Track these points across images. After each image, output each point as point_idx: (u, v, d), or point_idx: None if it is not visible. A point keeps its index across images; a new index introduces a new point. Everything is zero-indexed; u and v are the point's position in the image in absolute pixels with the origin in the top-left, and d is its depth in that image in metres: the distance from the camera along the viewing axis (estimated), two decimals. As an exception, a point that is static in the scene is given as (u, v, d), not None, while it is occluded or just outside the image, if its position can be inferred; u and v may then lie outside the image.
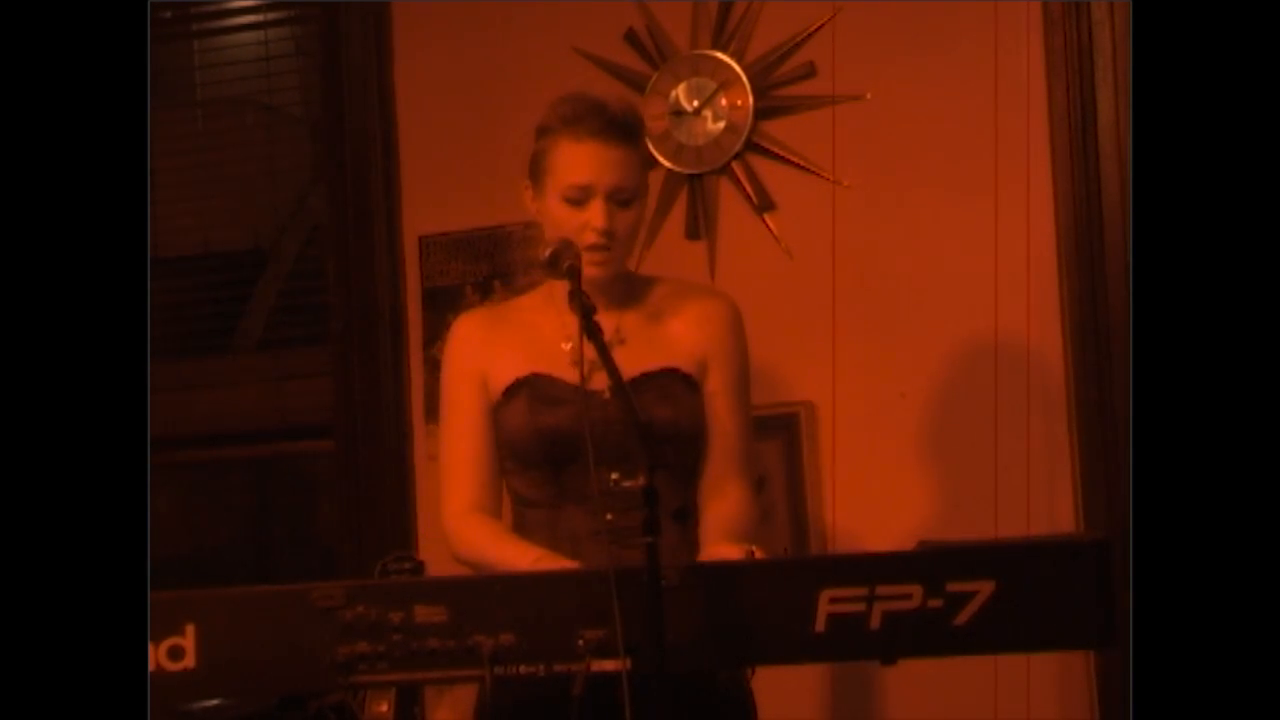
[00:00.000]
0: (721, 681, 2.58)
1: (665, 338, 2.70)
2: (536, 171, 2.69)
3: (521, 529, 2.68)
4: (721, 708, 2.58)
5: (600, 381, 2.55)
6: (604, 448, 2.51)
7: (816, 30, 3.71)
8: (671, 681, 2.15)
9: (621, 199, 2.64)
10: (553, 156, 2.65)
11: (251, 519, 4.56)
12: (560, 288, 2.61)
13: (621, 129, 2.64)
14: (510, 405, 2.66)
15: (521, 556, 2.55)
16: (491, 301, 2.91)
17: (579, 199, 2.62)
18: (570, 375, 2.60)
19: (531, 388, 2.64)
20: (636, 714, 2.15)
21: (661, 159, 3.78)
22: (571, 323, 2.62)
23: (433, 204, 4.02)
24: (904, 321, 3.65)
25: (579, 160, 2.62)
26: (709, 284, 2.75)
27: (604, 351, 2.40)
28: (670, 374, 2.67)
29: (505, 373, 2.67)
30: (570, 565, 2.49)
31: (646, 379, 2.64)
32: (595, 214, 2.61)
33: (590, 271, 2.59)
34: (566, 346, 2.63)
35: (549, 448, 2.62)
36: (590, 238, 2.61)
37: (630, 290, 2.74)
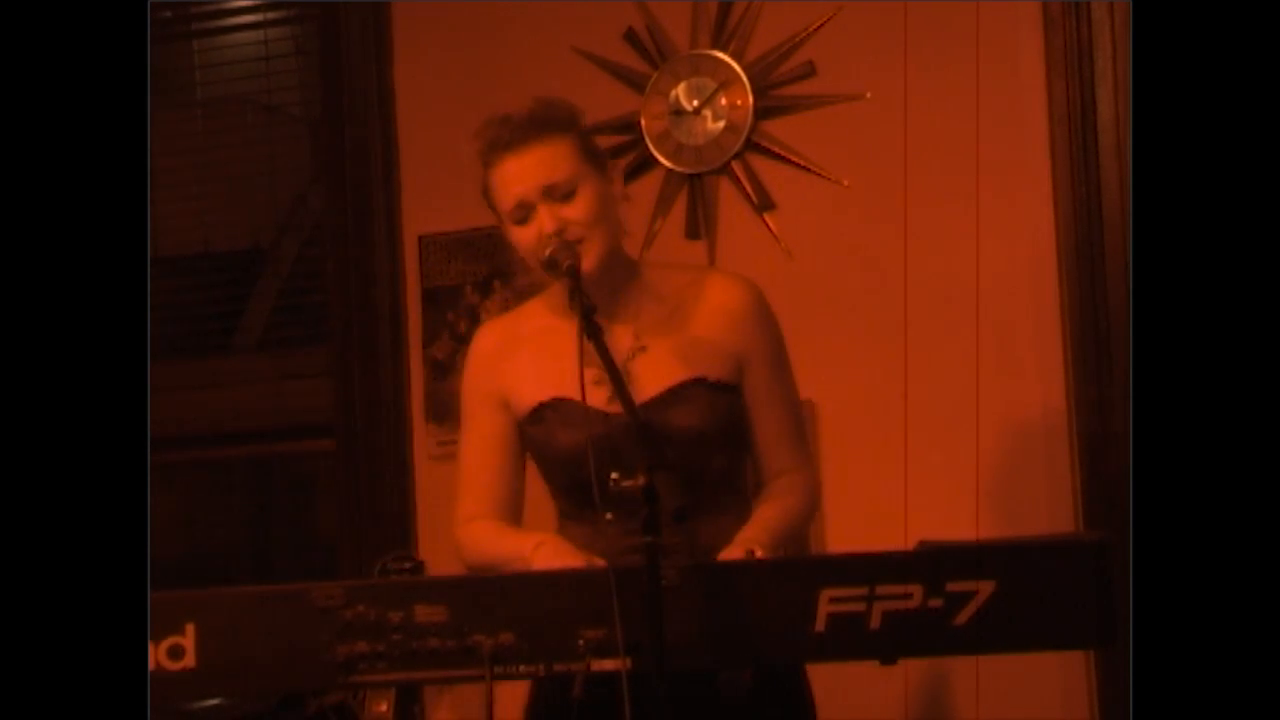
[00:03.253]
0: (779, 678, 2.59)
1: (691, 343, 2.64)
2: (490, 206, 2.66)
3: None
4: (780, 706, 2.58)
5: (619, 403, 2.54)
6: (618, 464, 2.50)
7: (816, 30, 3.71)
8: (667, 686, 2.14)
9: (561, 194, 2.56)
10: (488, 191, 2.62)
11: (251, 519, 4.56)
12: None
13: (526, 129, 2.57)
14: (537, 428, 2.64)
15: (524, 543, 2.55)
16: (506, 312, 2.86)
17: (522, 218, 2.57)
18: (590, 396, 2.55)
19: (556, 411, 2.62)
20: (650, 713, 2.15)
21: (661, 159, 3.78)
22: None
23: (432, 204, 4.02)
24: (904, 321, 3.65)
25: (502, 182, 2.58)
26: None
27: (604, 352, 2.40)
28: (696, 384, 2.61)
29: (528, 394, 2.65)
30: (574, 550, 2.49)
31: (672, 394, 2.59)
32: (542, 221, 2.55)
33: (561, 281, 2.57)
34: (592, 364, 2.56)
35: (568, 470, 2.61)
36: (550, 244, 2.55)
37: (643, 285, 2.68)
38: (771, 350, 2.71)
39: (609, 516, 2.51)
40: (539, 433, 2.64)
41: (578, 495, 2.61)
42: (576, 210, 2.57)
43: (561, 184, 2.56)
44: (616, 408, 2.52)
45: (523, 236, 2.58)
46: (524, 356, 2.68)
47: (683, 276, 2.73)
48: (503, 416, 2.69)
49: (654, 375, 2.60)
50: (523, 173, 2.55)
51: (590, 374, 2.55)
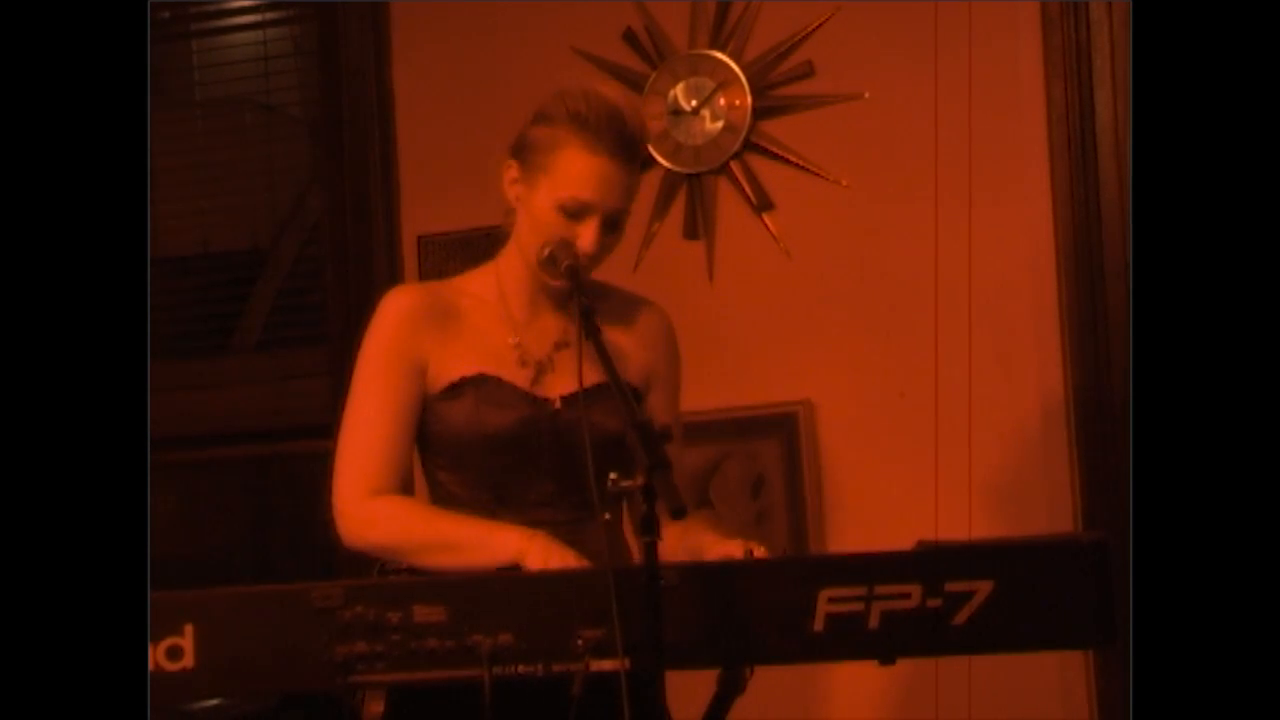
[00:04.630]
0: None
1: (610, 348, 2.53)
2: (532, 161, 2.55)
3: None
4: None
5: (551, 389, 2.55)
6: (551, 456, 2.52)
7: (815, 30, 3.71)
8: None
9: (614, 222, 2.55)
10: (559, 157, 2.52)
11: (251, 519, 4.55)
12: (509, 275, 2.60)
13: (633, 149, 2.54)
14: (453, 403, 2.56)
15: (507, 533, 2.45)
16: (427, 281, 2.81)
17: (576, 212, 2.51)
18: (518, 378, 2.57)
19: (478, 388, 2.55)
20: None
21: (660, 159, 3.78)
22: (518, 316, 2.61)
23: (431, 203, 4.02)
24: (903, 321, 3.65)
25: (588, 175, 2.50)
26: (721, 299, 2.73)
27: (604, 352, 2.40)
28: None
29: (449, 366, 2.56)
30: (565, 546, 2.43)
31: (597, 389, 2.49)
32: (587, 235, 2.51)
33: (559, 283, 2.53)
34: (513, 341, 2.58)
35: (492, 452, 2.55)
36: (551, 243, 2.52)
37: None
38: (675, 377, 2.74)
39: (607, 516, 2.51)
40: (456, 409, 2.55)
41: (486, 481, 2.56)
42: (612, 243, 2.59)
43: (622, 215, 2.57)
44: (542, 391, 2.56)
45: (555, 222, 2.52)
46: (449, 326, 2.59)
47: (617, 293, 2.71)
48: (414, 385, 2.56)
49: (584, 375, 2.50)
50: (613, 187, 2.52)
51: (514, 354, 2.58)
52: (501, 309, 2.62)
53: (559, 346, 2.61)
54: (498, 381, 2.56)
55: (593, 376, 2.47)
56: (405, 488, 2.60)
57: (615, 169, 2.52)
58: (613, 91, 2.60)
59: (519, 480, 2.56)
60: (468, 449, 2.57)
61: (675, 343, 2.75)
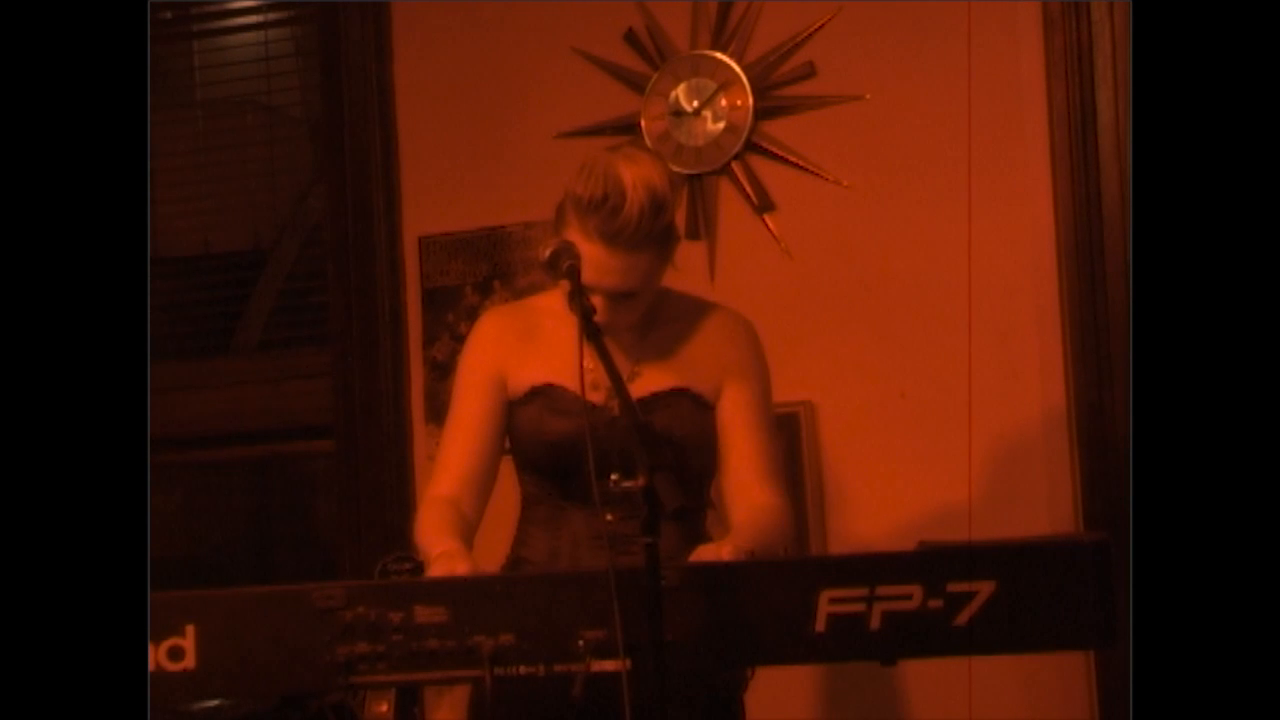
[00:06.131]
0: (718, 686, 2.59)
1: (681, 361, 2.70)
2: (556, 226, 2.63)
3: (528, 523, 2.73)
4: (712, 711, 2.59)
5: (613, 399, 2.58)
6: (608, 459, 2.52)
7: (816, 30, 3.71)
8: (668, 687, 2.14)
9: (625, 297, 2.60)
10: (565, 233, 2.58)
11: (251, 519, 4.56)
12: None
13: (631, 237, 2.55)
14: (524, 410, 2.69)
15: (432, 546, 2.54)
16: (513, 300, 2.86)
17: (587, 291, 2.54)
18: (585, 390, 2.60)
19: (545, 397, 2.67)
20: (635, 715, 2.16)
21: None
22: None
23: (432, 204, 4.02)
24: (904, 321, 3.65)
25: (583, 257, 2.53)
26: (721, 300, 2.76)
27: (603, 351, 2.40)
28: (678, 393, 2.68)
29: (526, 376, 2.70)
30: (458, 568, 2.45)
31: (655, 398, 2.66)
32: (596, 304, 2.54)
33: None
34: (589, 365, 2.60)
35: (553, 456, 2.66)
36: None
37: (651, 317, 2.72)
38: (753, 377, 2.74)
39: (609, 517, 2.53)
40: (529, 415, 2.68)
41: (553, 481, 2.68)
42: (629, 313, 2.63)
43: (631, 291, 2.60)
44: (603, 400, 2.62)
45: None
46: (529, 341, 2.73)
47: (685, 306, 2.77)
48: (495, 397, 2.71)
49: (643, 385, 2.66)
50: (604, 271, 2.56)
51: (588, 376, 2.58)
52: (573, 324, 2.63)
53: (629, 378, 2.63)
54: (562, 391, 2.66)
55: (661, 383, 2.65)
56: (486, 485, 2.73)
57: (608, 255, 2.56)
58: (633, 167, 2.56)
59: (581, 483, 2.60)
60: (534, 452, 2.69)
61: (750, 343, 2.77)
